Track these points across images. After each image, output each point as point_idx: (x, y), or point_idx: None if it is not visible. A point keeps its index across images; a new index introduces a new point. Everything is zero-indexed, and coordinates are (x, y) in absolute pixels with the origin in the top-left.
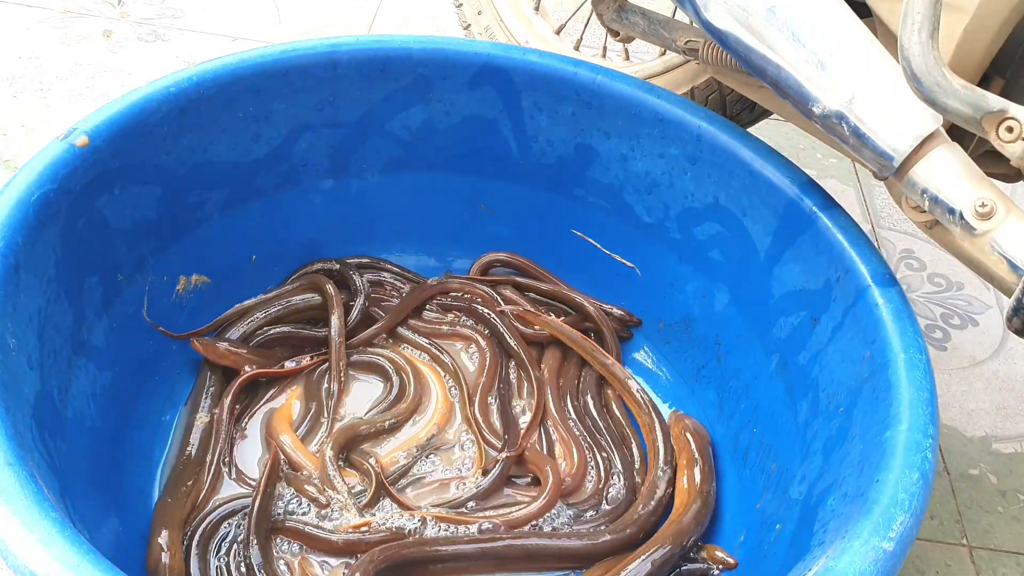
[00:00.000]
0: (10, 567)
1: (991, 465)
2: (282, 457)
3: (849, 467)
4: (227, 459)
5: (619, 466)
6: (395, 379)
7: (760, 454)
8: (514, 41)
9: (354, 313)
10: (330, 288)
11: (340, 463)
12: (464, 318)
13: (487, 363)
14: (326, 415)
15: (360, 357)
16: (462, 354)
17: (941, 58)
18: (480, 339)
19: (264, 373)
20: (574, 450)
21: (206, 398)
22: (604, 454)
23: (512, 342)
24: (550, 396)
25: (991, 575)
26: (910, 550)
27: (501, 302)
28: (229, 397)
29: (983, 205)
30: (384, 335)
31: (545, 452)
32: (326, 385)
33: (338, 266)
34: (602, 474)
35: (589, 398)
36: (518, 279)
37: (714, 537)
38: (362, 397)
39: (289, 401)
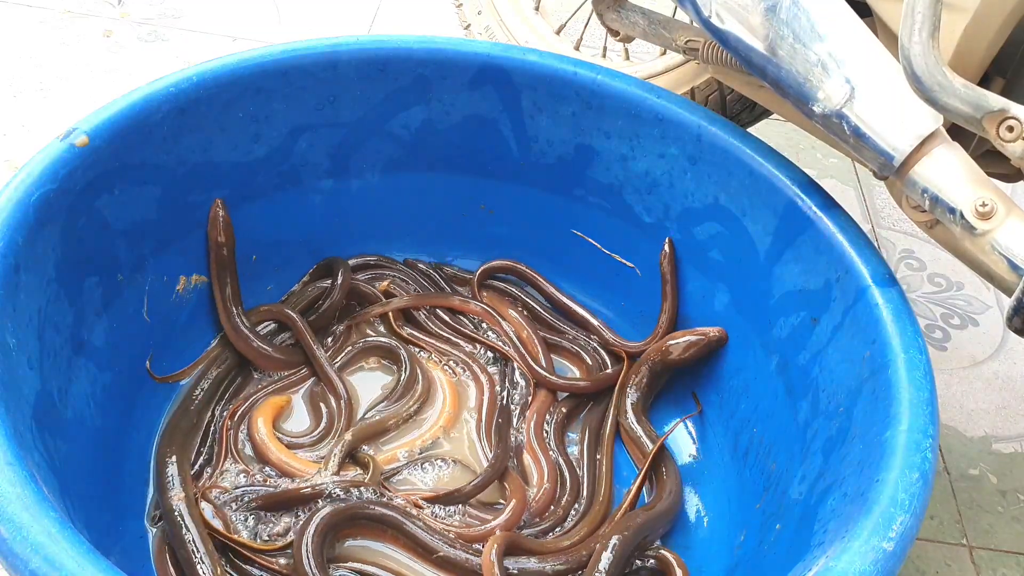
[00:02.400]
0: (10, 567)
1: (991, 465)
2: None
3: (849, 467)
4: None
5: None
6: (406, 361)
7: (760, 454)
8: (514, 41)
9: (334, 295)
10: (292, 314)
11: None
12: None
13: (486, 383)
14: (339, 418)
15: (370, 341)
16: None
17: (941, 57)
18: (480, 373)
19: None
20: (546, 480)
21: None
22: (574, 491)
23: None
24: (534, 424)
25: (991, 575)
26: (910, 550)
27: (521, 351)
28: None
29: (983, 205)
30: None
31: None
32: (333, 401)
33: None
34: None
35: (586, 434)
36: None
37: (714, 537)
38: (367, 386)
39: (284, 398)
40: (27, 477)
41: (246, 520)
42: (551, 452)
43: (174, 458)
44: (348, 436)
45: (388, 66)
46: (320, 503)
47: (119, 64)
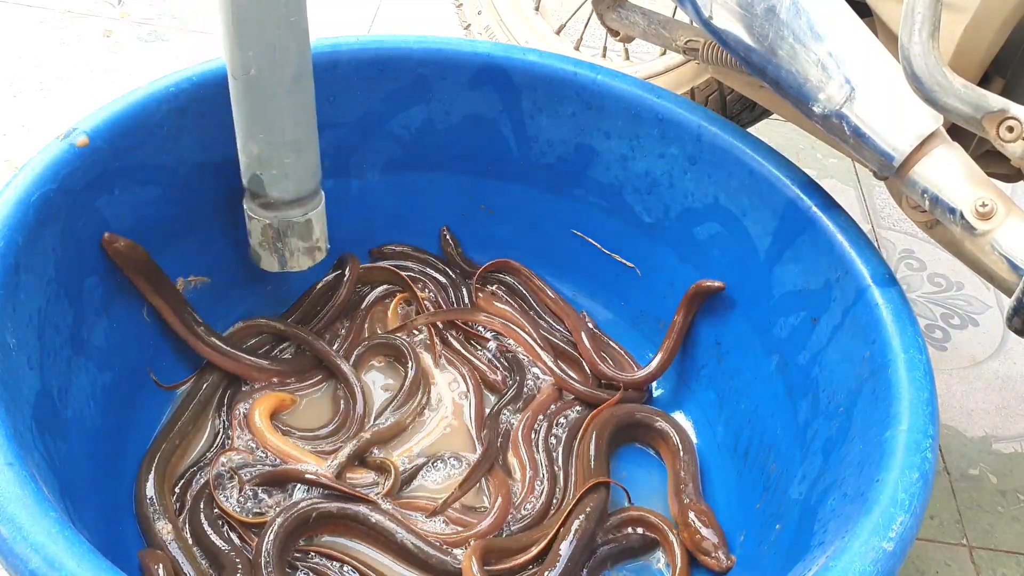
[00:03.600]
0: (9, 567)
1: (991, 465)
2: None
3: (849, 467)
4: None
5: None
6: (412, 360)
7: (760, 454)
8: (514, 41)
9: (341, 294)
10: (307, 335)
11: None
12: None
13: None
14: (353, 420)
15: (376, 339)
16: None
17: (941, 58)
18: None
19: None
20: (528, 480)
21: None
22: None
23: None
24: (526, 422)
25: (991, 575)
26: (910, 550)
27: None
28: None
29: (983, 205)
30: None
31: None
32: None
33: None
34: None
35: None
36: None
37: None
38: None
39: (289, 396)
40: (27, 477)
41: (255, 495)
42: (536, 453)
43: (153, 485)
44: (367, 434)
45: (388, 66)
46: (309, 495)
47: (119, 64)
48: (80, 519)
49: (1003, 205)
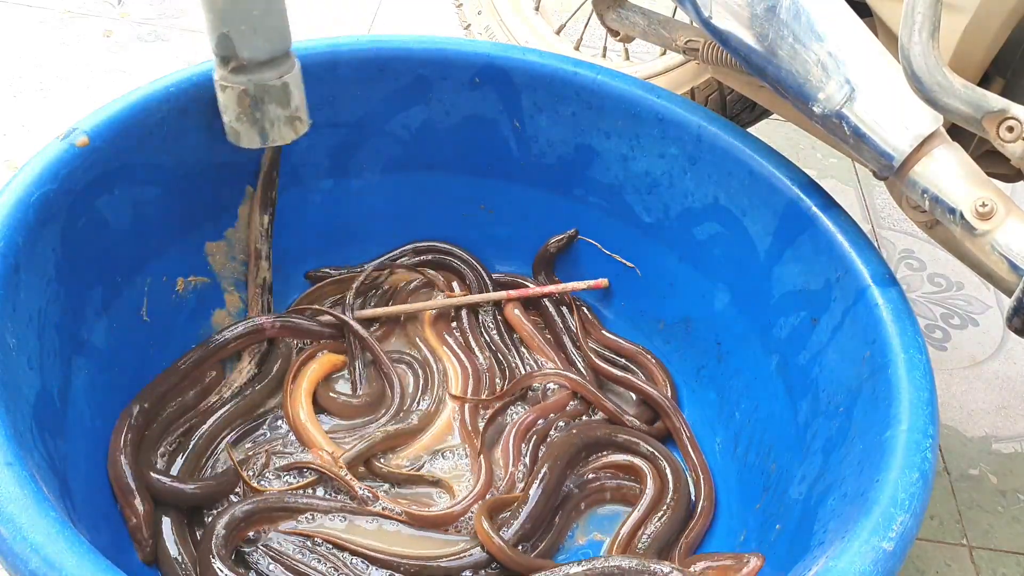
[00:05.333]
0: (9, 567)
1: (991, 465)
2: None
3: (849, 467)
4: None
5: None
6: (420, 371)
7: (760, 454)
8: (514, 41)
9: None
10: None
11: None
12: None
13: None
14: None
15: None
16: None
17: (941, 58)
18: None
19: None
20: (509, 475)
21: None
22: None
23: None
24: (520, 424)
25: (991, 575)
26: (910, 550)
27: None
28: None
29: (983, 205)
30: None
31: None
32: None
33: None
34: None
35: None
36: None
37: (714, 537)
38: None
39: (340, 358)
40: (27, 477)
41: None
42: (524, 450)
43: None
44: (385, 428)
45: (388, 66)
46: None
47: (119, 64)
48: (80, 519)
49: (1003, 205)
